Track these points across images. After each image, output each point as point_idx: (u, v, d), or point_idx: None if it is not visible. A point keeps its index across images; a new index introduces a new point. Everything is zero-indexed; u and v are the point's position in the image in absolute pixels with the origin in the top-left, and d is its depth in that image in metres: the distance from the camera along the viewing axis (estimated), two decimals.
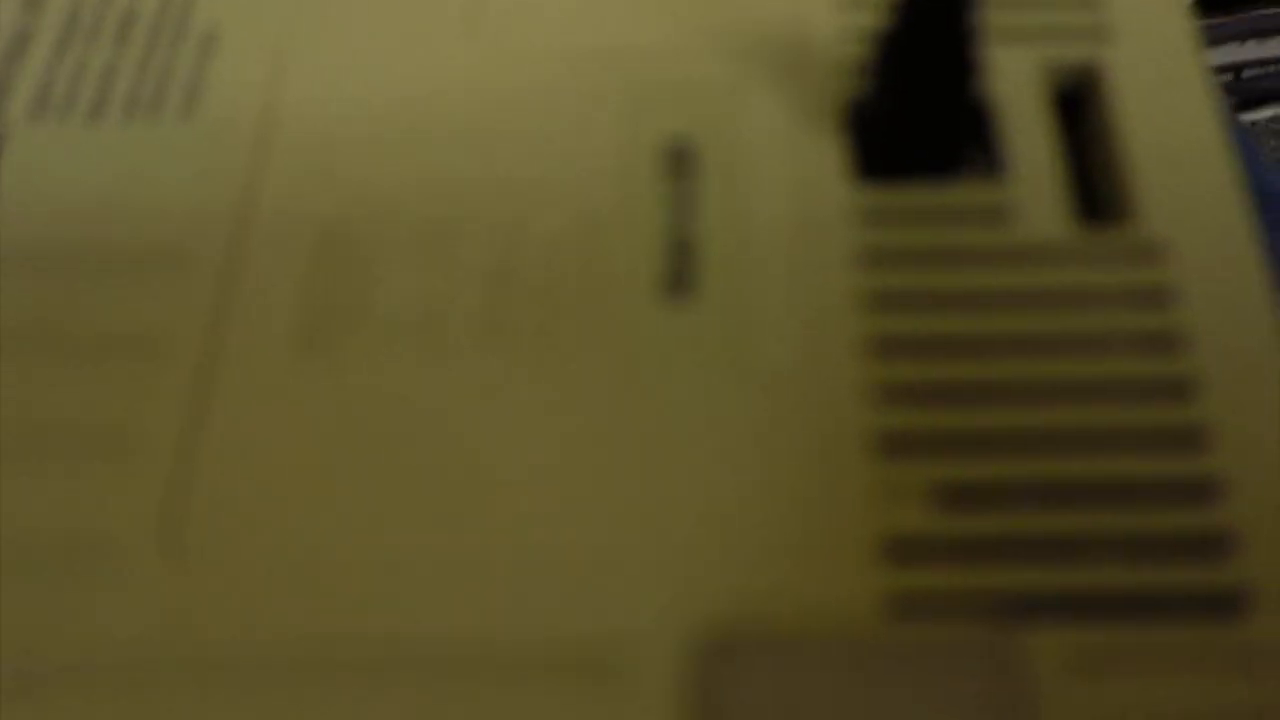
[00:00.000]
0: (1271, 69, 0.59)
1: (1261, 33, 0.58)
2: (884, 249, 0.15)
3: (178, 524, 0.13)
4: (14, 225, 0.15)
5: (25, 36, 0.17)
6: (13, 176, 0.15)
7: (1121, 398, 0.13)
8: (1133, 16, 0.16)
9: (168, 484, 0.13)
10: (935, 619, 0.12)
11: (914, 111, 0.14)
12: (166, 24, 0.17)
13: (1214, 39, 0.55)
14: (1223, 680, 0.12)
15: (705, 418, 0.13)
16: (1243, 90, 0.59)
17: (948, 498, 0.13)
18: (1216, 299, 0.14)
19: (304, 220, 0.15)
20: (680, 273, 0.14)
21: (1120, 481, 0.13)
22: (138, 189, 0.15)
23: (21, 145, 0.16)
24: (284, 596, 0.13)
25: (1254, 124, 0.61)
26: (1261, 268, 0.14)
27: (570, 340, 0.14)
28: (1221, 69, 0.59)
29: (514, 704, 0.12)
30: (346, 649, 0.12)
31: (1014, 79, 0.16)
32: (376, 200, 0.15)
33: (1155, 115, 0.15)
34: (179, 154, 0.15)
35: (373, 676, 0.12)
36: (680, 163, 0.15)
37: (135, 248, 0.15)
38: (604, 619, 0.12)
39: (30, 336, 0.14)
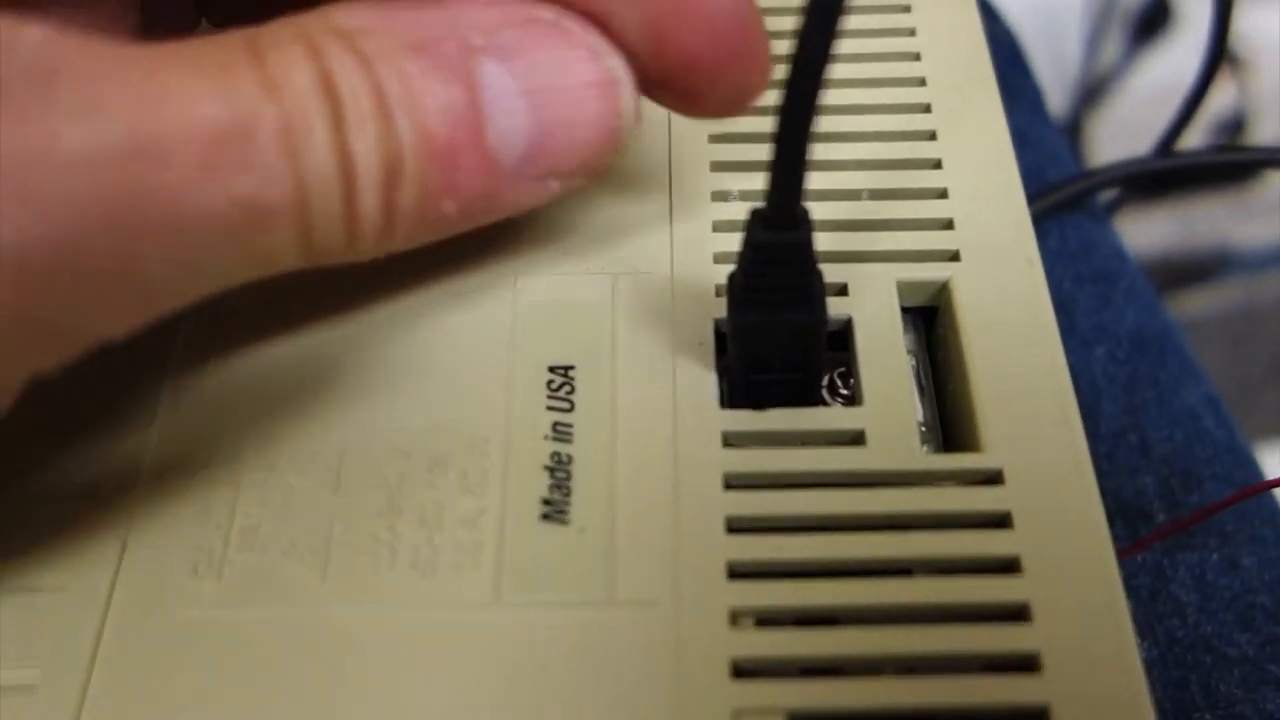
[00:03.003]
0: None
1: None
2: (748, 474, 0.16)
3: None
4: None
5: None
6: None
7: (966, 622, 0.14)
8: (981, 240, 0.18)
9: None
10: None
11: (771, 343, 0.16)
12: None
13: None
14: None
15: (570, 643, 0.14)
16: None
17: None
18: (1051, 526, 0.15)
19: None
20: (558, 495, 0.15)
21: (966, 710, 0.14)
22: None
23: None
24: None
25: None
26: (1092, 488, 0.15)
27: (449, 559, 0.15)
28: None
29: None
30: None
31: (874, 300, 0.17)
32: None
33: (999, 338, 0.17)
34: None
35: None
36: (561, 388, 0.16)
37: None
38: None
39: None
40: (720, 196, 0.18)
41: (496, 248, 0.18)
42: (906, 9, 0.21)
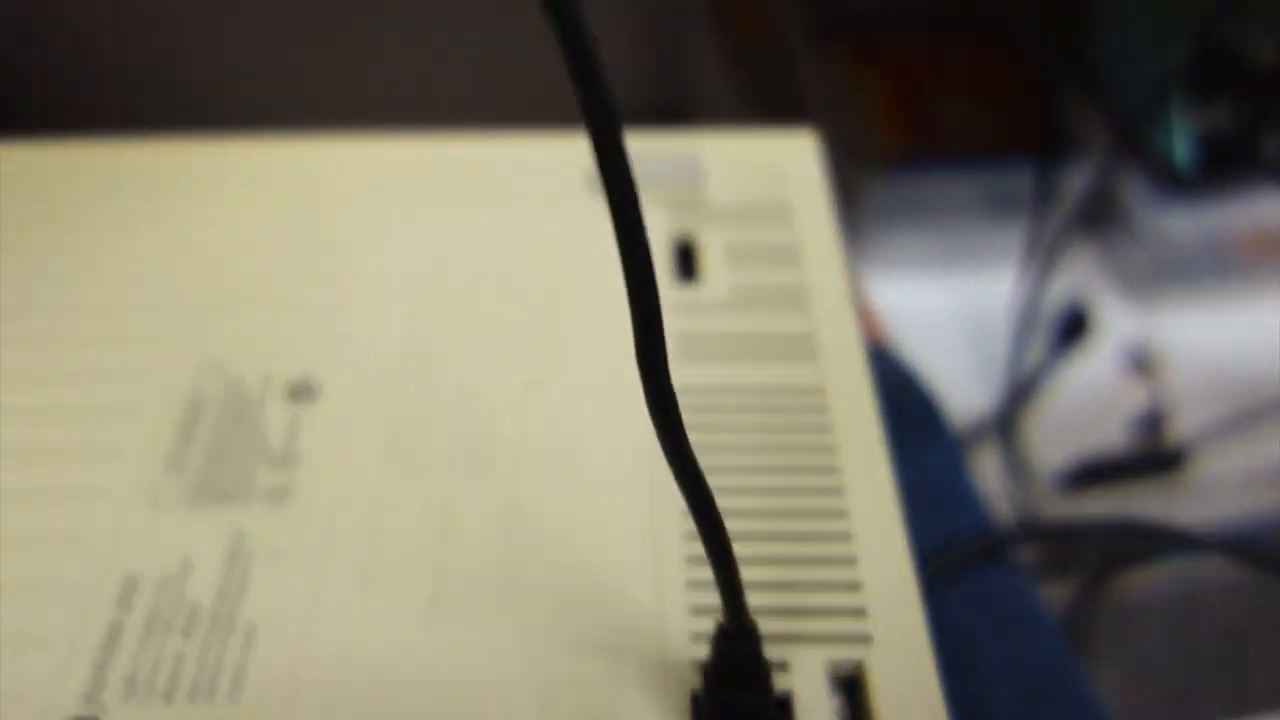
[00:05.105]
0: None
1: None
2: None
3: None
4: None
5: (118, 629, 0.24)
6: None
7: None
8: (887, 625, 0.24)
9: None
10: None
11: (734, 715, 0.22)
12: (221, 618, 0.24)
13: None
14: None
15: None
16: None
17: None
18: None
19: None
20: None
21: None
22: None
23: None
24: None
25: None
26: None
27: None
28: None
29: None
30: None
31: (804, 676, 0.23)
32: None
33: (901, 706, 0.23)
34: None
35: None
36: None
37: None
38: None
39: None
40: (693, 586, 0.25)
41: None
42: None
